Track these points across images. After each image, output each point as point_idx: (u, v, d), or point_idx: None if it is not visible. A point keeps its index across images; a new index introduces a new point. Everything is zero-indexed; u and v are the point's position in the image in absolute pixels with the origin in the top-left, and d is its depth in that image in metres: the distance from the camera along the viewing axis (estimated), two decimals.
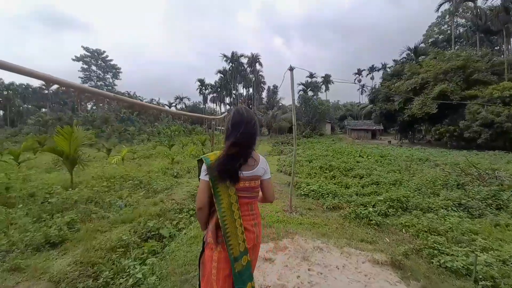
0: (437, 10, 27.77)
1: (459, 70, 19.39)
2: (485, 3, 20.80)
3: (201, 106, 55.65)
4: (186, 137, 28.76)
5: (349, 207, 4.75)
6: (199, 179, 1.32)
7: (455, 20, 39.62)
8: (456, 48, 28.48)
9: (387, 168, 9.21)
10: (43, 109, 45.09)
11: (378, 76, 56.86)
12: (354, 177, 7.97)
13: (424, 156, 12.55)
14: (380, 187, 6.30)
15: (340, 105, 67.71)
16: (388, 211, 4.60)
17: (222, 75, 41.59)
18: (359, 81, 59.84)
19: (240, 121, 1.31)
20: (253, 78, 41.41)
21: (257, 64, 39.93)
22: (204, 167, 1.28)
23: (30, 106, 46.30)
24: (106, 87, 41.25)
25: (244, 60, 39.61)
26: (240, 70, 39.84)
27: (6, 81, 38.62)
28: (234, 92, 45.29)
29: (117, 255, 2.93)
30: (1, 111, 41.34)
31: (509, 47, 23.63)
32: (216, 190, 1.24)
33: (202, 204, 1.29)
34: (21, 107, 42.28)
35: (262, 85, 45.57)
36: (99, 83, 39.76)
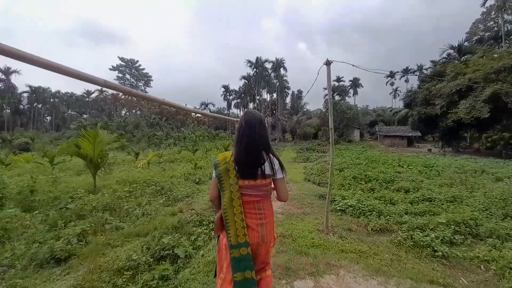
0: (483, 4, 24.85)
1: None
2: None
3: (225, 111, 56.48)
4: (210, 142, 29.07)
5: (401, 230, 3.85)
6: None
7: (503, 16, 35.39)
8: (506, 46, 25.17)
9: (436, 180, 7.91)
10: (84, 115, 49.32)
11: (413, 78, 52.93)
12: (398, 190, 6.88)
13: (477, 167, 10.76)
14: (434, 205, 5.23)
15: (369, 110, 64.07)
16: (454, 238, 3.62)
17: (246, 81, 41.73)
18: (392, 84, 56.16)
19: (246, 122, 1.42)
20: (277, 83, 40.85)
21: (281, 69, 39.37)
22: (213, 164, 1.45)
23: (74, 112, 50.96)
24: None
25: (268, 65, 39.38)
26: (264, 76, 39.58)
27: (53, 90, 43.11)
28: (258, 97, 45.15)
29: (124, 280, 2.47)
30: (49, 117, 45.86)
31: None
32: (221, 186, 1.38)
33: (212, 197, 1.49)
34: (65, 113, 46.59)
35: (286, 90, 44.86)
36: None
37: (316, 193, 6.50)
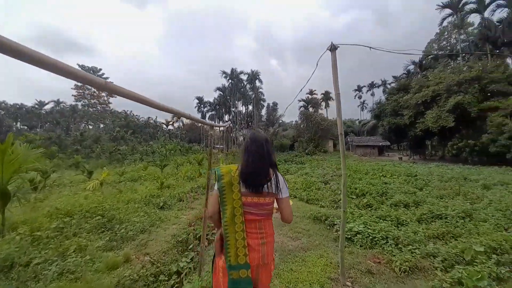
0: (441, 24, 27.49)
1: (474, 81, 18.22)
2: (492, 14, 20.40)
3: (199, 124, 54.35)
4: (182, 156, 26.92)
5: (438, 269, 2.86)
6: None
7: (454, 36, 39.98)
8: (459, 62, 27.86)
9: (429, 191, 7.34)
10: (37, 129, 43.48)
11: (378, 92, 56.68)
12: (395, 205, 6.09)
13: (456, 174, 10.72)
14: (448, 223, 4.43)
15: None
16: (501, 272, 2.73)
17: (221, 93, 40.71)
18: (360, 97, 59.52)
19: (252, 139, 1.43)
20: (253, 95, 40.48)
21: (256, 81, 39.28)
22: (216, 175, 1.38)
23: (24, 126, 44.71)
24: (100, 105, 39.98)
25: (243, 77, 39.04)
26: (239, 87, 39.01)
27: None
28: (233, 109, 44.23)
29: None
30: None
31: None
32: (222, 200, 1.32)
33: (212, 213, 1.41)
34: (12, 127, 40.60)
35: (262, 102, 44.69)
36: (92, 101, 38.42)
37: (308, 214, 5.39)
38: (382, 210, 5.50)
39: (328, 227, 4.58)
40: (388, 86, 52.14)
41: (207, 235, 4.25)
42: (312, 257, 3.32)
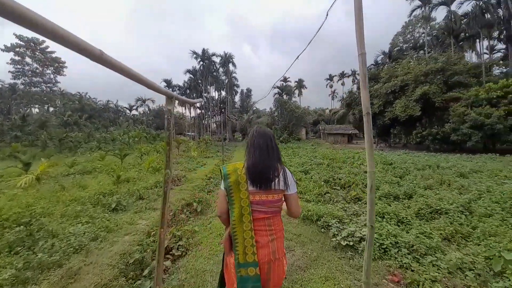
0: (410, 15, 28.39)
1: (438, 73, 19.11)
2: (459, 7, 21.42)
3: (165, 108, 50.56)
4: (148, 145, 24.53)
5: None
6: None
7: (417, 30, 42.15)
8: (424, 54, 29.30)
9: (411, 180, 7.12)
10: None
11: (348, 82, 58.46)
12: (385, 197, 5.65)
13: (429, 162, 10.98)
14: (451, 220, 3.99)
15: (310, 111, 68.32)
16: None
17: (191, 76, 37.69)
18: (331, 86, 60.87)
19: (259, 133, 1.40)
20: (226, 80, 38.36)
21: (230, 65, 37.09)
22: (222, 174, 1.35)
23: None
24: (45, 85, 33.89)
25: (216, 60, 36.47)
26: (211, 70, 36.47)
27: None
28: (205, 94, 41.66)
29: None
30: None
31: (482, 50, 24.76)
32: (230, 199, 1.30)
33: (221, 212, 1.37)
34: None
35: (235, 88, 42.84)
36: (35, 79, 32.22)
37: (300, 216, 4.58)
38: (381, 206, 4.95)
39: (323, 230, 3.83)
40: (357, 77, 54.00)
41: (170, 250, 3.18)
42: (315, 280, 2.49)
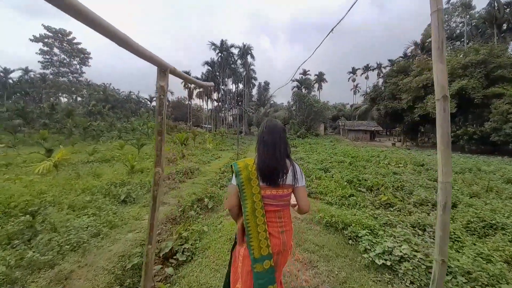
0: (448, 1, 25.67)
1: (480, 65, 17.10)
2: None
3: (187, 102, 51.30)
4: (166, 135, 24.85)
5: None
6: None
7: (453, 20, 38.44)
8: (462, 45, 26.61)
9: (453, 186, 6.21)
10: (3, 100, 38.88)
11: (372, 75, 55.43)
12: (420, 204, 4.89)
13: (467, 165, 9.78)
14: (510, 236, 3.23)
15: (329, 106, 65.86)
16: None
17: (209, 67, 37.51)
18: (354, 80, 58.06)
19: (268, 128, 1.38)
20: (244, 72, 37.70)
21: (248, 56, 36.35)
22: (234, 171, 1.36)
23: None
24: (71, 75, 35.54)
25: (234, 51, 35.87)
26: (229, 62, 35.98)
27: None
28: (222, 87, 41.44)
29: None
30: None
31: None
32: (243, 195, 1.31)
33: (230, 206, 1.38)
34: None
35: (253, 80, 42.11)
36: (62, 69, 33.83)
37: (317, 218, 4.03)
38: (408, 211, 4.27)
39: (350, 242, 3.25)
40: (383, 70, 50.86)
41: (174, 253, 2.80)
42: None
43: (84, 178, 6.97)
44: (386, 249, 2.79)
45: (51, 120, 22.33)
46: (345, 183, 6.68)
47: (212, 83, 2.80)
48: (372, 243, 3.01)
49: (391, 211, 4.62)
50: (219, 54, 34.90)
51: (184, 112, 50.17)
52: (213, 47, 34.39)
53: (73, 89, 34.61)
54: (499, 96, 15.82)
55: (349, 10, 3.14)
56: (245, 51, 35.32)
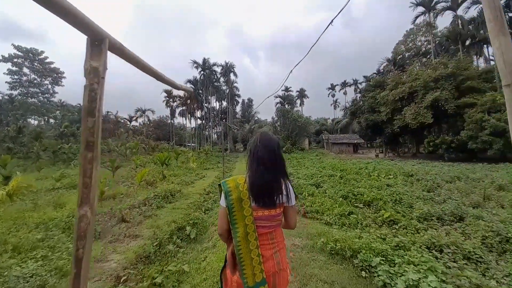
0: (414, 21, 28.00)
1: (449, 78, 18.26)
2: (466, 12, 20.89)
3: (169, 121, 50.02)
4: (146, 156, 23.53)
5: None
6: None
7: (419, 39, 42.00)
8: (429, 61, 28.65)
9: (448, 196, 5.97)
10: None
11: (350, 91, 58.10)
12: (425, 219, 4.52)
13: (455, 173, 9.82)
14: None
15: (311, 121, 67.55)
16: None
17: (192, 86, 37.13)
18: (333, 95, 60.42)
19: (262, 143, 1.25)
20: (227, 90, 37.74)
21: (231, 74, 36.66)
22: (223, 192, 1.23)
23: None
24: (42, 95, 33.28)
25: (217, 69, 36.03)
26: (212, 80, 35.94)
27: None
28: (206, 105, 41.04)
29: None
30: None
31: (489, 56, 24.03)
32: (232, 218, 1.19)
33: (221, 230, 1.26)
34: None
35: (236, 98, 42.25)
36: (32, 90, 31.50)
37: (319, 244, 3.46)
38: (415, 228, 3.85)
39: (363, 273, 2.69)
40: (359, 86, 53.60)
41: None
42: None
43: (41, 209, 5.95)
44: (410, 283, 2.27)
45: (16, 143, 20.32)
46: (340, 198, 6.24)
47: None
48: (391, 275, 2.49)
49: (396, 229, 4.17)
50: (202, 72, 34.87)
51: (166, 131, 48.71)
52: (195, 65, 34.38)
53: (43, 110, 32.26)
54: (471, 105, 16.76)
55: (324, 30, 2.97)
56: (228, 69, 35.65)
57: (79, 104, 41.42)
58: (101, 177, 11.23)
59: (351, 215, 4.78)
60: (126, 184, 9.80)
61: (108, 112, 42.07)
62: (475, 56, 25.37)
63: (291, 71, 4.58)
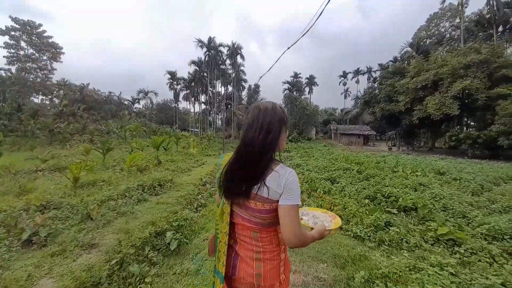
0: (443, 2, 25.28)
1: (482, 65, 16.25)
2: None
3: (173, 104, 48.75)
4: (147, 139, 22.56)
5: None
6: None
7: (442, 24, 38.75)
8: (458, 45, 26.16)
9: (498, 200, 4.63)
10: None
11: (363, 80, 55.41)
12: (494, 238, 3.24)
13: (493, 173, 8.39)
14: None
15: (319, 110, 65.37)
16: None
17: (196, 67, 35.35)
18: (344, 84, 57.80)
19: (253, 117, 0.93)
20: (233, 73, 35.85)
21: (238, 57, 34.61)
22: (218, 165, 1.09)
23: None
24: (40, 71, 31.78)
25: (223, 50, 33.90)
26: (218, 62, 34.01)
27: None
28: (211, 89, 39.39)
29: None
30: None
31: None
32: (220, 192, 1.02)
33: (218, 202, 1.09)
34: None
35: (243, 82, 40.39)
36: (28, 65, 30.00)
37: (356, 279, 2.23)
38: (490, 254, 2.58)
39: None
40: (373, 74, 50.81)
41: None
42: None
43: (4, 195, 4.88)
44: None
45: (11, 121, 19.52)
46: (366, 200, 4.98)
47: None
48: None
49: (461, 254, 2.90)
50: (207, 52, 32.87)
51: (170, 115, 47.60)
52: (200, 44, 32.33)
53: (41, 87, 31.14)
54: (504, 97, 14.90)
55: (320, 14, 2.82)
56: (235, 50, 33.55)
57: (83, 84, 40.53)
58: (92, 160, 10.23)
59: (390, 228, 3.51)
60: (115, 169, 8.73)
61: (110, 92, 41.03)
62: (506, 43, 22.92)
63: (277, 60, 3.23)
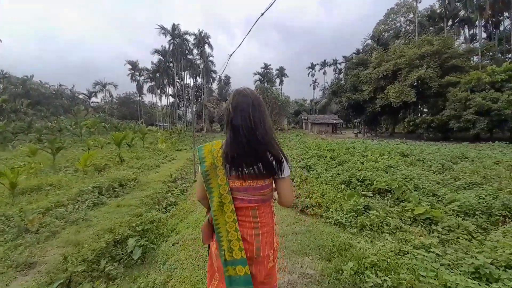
0: None
1: (434, 55, 17.71)
2: None
3: (136, 98, 45.20)
4: (107, 136, 20.53)
5: None
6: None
7: (398, 19, 41.53)
8: (412, 38, 28.21)
9: (469, 180, 4.98)
10: None
11: (329, 71, 57.41)
12: (465, 214, 3.38)
13: (449, 152, 9.18)
14: None
15: (290, 101, 66.58)
16: None
17: (161, 57, 32.82)
18: (313, 75, 59.35)
19: (234, 107, 0.99)
20: (202, 64, 34.19)
21: (206, 46, 33.00)
22: (198, 158, 1.07)
23: None
24: None
25: (189, 39, 31.94)
26: (184, 52, 32.01)
27: None
28: (178, 80, 37.20)
29: None
30: None
31: (482, 33, 24.02)
32: (208, 186, 1.02)
33: (200, 197, 1.12)
34: None
35: (212, 74, 38.89)
36: None
37: (346, 271, 2.05)
38: (468, 232, 2.64)
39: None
40: (338, 66, 52.98)
41: None
42: None
43: None
44: None
45: None
46: (342, 185, 4.97)
47: None
48: None
49: (439, 231, 2.93)
50: (172, 41, 30.62)
51: (134, 109, 44.14)
52: (163, 31, 29.87)
53: None
54: (453, 84, 16.46)
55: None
56: (202, 39, 31.84)
57: (26, 76, 35.40)
58: (39, 162, 8.83)
59: (370, 212, 3.47)
60: (67, 170, 7.61)
61: (61, 85, 36.45)
62: (455, 36, 25.34)
63: (238, 46, 2.88)
